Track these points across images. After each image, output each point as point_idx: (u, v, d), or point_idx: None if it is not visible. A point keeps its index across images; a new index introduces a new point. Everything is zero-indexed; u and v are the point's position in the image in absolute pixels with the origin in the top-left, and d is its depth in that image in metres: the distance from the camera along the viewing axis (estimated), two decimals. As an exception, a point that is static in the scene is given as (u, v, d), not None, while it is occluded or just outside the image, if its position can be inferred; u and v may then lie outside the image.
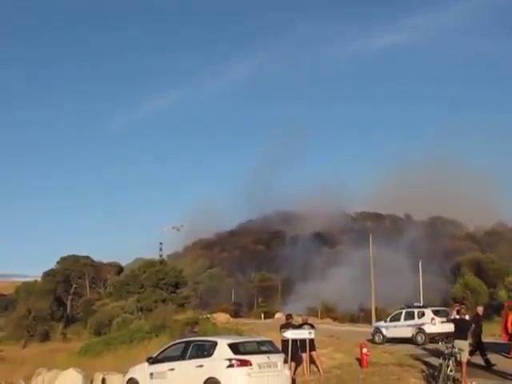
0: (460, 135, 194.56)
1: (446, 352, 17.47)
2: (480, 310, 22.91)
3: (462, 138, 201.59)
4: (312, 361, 21.41)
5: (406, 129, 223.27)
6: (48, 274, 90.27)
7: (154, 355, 18.19)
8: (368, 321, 53.96)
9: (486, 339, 28.18)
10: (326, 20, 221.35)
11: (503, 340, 23.72)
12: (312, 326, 21.63)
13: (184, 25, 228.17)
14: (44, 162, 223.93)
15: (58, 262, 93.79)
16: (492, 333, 30.53)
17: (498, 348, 23.75)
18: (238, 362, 15.68)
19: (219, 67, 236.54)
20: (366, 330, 38.64)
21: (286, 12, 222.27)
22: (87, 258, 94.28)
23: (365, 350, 21.85)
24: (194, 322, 24.27)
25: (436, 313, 31.45)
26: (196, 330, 21.33)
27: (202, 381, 15.84)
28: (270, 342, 17.50)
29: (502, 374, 18.80)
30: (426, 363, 21.57)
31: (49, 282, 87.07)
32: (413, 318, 31.93)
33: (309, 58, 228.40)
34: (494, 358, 22.16)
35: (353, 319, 69.17)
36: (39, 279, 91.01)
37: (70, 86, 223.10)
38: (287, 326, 21.28)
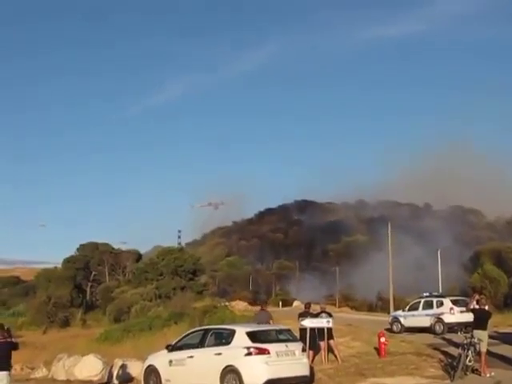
0: (483, 124, 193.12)
1: (464, 342, 17.40)
2: None
3: (484, 127, 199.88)
4: (330, 349, 21.44)
5: (427, 116, 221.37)
6: (68, 261, 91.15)
7: (173, 342, 18.29)
8: (386, 310, 53.80)
9: (504, 329, 28.14)
10: (341, 7, 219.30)
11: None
12: (330, 315, 21.64)
13: (199, 12, 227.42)
14: (65, 149, 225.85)
15: (77, 249, 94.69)
16: (510, 323, 30.39)
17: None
18: (256, 351, 15.73)
19: (236, 53, 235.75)
20: (384, 319, 38.56)
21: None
22: (106, 245, 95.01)
23: (383, 339, 21.81)
24: (264, 301, 24.45)
25: (455, 302, 31.22)
26: (265, 308, 22.04)
27: (221, 368, 15.92)
28: (288, 331, 17.53)
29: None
30: (444, 353, 21.48)
31: (69, 269, 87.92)
32: (431, 307, 31.75)
33: (323, 45, 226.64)
34: (510, 349, 22.02)
35: (371, 308, 68.97)
36: (59, 266, 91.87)
37: (87, 72, 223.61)
38: (305, 314, 21.32)
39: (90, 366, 22.53)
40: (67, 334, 55.48)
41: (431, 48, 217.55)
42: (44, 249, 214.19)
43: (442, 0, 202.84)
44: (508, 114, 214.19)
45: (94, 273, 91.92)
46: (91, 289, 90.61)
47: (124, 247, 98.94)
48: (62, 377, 22.93)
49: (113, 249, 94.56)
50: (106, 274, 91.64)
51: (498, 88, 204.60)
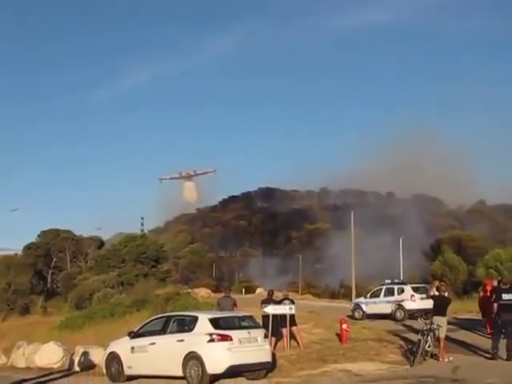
0: (446, 114, 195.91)
1: (424, 328, 17.68)
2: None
3: (447, 117, 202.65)
4: (292, 336, 21.57)
5: (389, 106, 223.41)
6: (28, 248, 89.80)
7: (135, 329, 18.20)
8: (348, 297, 54.39)
9: (463, 316, 28.72)
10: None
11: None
12: (292, 302, 21.76)
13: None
14: (26, 136, 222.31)
15: (38, 236, 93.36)
16: (469, 309, 30.97)
17: (474, 325, 24.08)
18: (219, 337, 15.74)
19: (204, 41, 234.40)
20: (346, 305, 38.98)
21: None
22: (68, 231, 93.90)
23: (344, 326, 22.04)
24: (227, 287, 24.53)
25: (415, 289, 31.73)
26: (228, 294, 22.55)
27: (183, 355, 15.89)
28: (251, 317, 17.58)
29: (478, 350, 19.07)
30: (404, 339, 21.84)
31: (29, 256, 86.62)
32: (392, 294, 32.20)
33: (291, 33, 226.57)
34: (469, 334, 22.51)
35: (333, 295, 69.69)
36: (19, 253, 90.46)
37: (51, 60, 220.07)
38: (268, 301, 21.41)
39: (51, 353, 22.24)
40: (27, 321, 54.40)
41: (402, 37, 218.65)
42: (3, 235, 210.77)
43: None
44: (472, 105, 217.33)
45: (55, 260, 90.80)
46: (52, 276, 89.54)
47: (99, 233, 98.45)
48: (21, 364, 22.62)
49: (74, 236, 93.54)
50: (68, 260, 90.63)
51: (466, 79, 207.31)
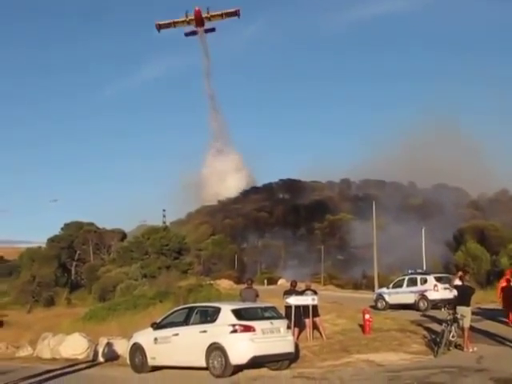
0: (467, 104, 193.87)
1: (448, 318, 17.56)
2: None
3: (469, 106, 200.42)
4: (315, 326, 21.58)
5: (410, 96, 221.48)
6: (52, 241, 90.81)
7: (158, 321, 18.29)
8: (371, 287, 54.18)
9: (487, 306, 28.48)
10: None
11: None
12: (315, 292, 21.76)
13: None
14: (49, 132, 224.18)
15: (62, 229, 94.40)
16: (493, 299, 30.72)
17: (498, 315, 23.88)
18: (242, 328, 15.76)
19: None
20: (369, 296, 38.86)
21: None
22: (91, 224, 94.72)
23: (367, 316, 21.99)
24: (249, 279, 24.59)
25: (438, 279, 31.52)
26: (251, 285, 21.89)
27: (206, 346, 15.93)
28: (273, 308, 17.59)
29: (503, 340, 18.90)
30: (428, 329, 21.71)
31: (53, 248, 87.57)
32: (415, 284, 32.03)
33: (306, 25, 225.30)
34: (493, 324, 22.32)
35: (356, 286, 69.50)
36: (43, 245, 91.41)
37: (61, 57, 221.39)
38: (290, 292, 21.42)
39: (75, 344, 22.50)
40: (52, 313, 55.23)
41: (415, 27, 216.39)
42: (28, 228, 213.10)
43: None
44: (494, 93, 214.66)
45: (78, 252, 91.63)
46: (76, 268, 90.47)
47: (108, 226, 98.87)
48: (47, 355, 22.89)
49: (97, 228, 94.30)
50: (91, 253, 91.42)
51: (488, 69, 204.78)
